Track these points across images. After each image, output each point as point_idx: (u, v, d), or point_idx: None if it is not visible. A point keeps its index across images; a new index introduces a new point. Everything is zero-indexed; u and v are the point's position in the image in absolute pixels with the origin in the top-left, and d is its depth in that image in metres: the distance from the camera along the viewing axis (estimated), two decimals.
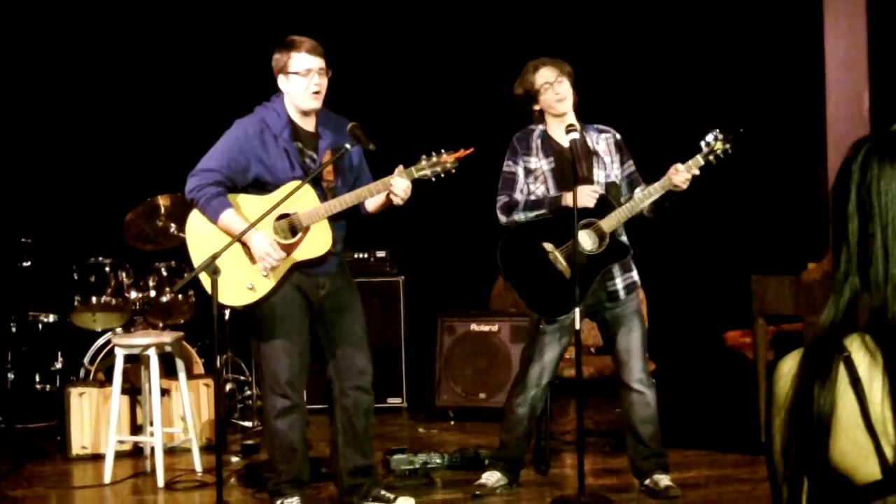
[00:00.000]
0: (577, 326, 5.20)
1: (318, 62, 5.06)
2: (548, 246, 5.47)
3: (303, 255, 5.07)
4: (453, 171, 5.08)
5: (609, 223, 5.37)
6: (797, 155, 8.25)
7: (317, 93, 5.07)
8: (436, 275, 8.56)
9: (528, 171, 5.55)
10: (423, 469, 6.09)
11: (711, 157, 5.28)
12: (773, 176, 8.39)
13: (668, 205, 5.42)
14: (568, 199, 5.36)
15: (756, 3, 8.39)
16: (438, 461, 6.17)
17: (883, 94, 7.29)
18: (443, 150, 5.08)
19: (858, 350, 1.65)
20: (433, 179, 5.09)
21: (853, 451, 1.63)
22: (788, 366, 1.73)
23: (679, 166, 5.27)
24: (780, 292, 6.46)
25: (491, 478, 5.72)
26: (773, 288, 6.47)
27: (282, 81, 5.09)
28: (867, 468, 1.63)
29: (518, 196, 5.54)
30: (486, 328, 7.59)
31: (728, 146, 5.27)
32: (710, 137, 5.29)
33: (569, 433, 6.95)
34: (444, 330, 7.69)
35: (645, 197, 5.36)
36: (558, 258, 5.44)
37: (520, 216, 5.53)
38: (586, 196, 5.38)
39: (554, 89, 5.49)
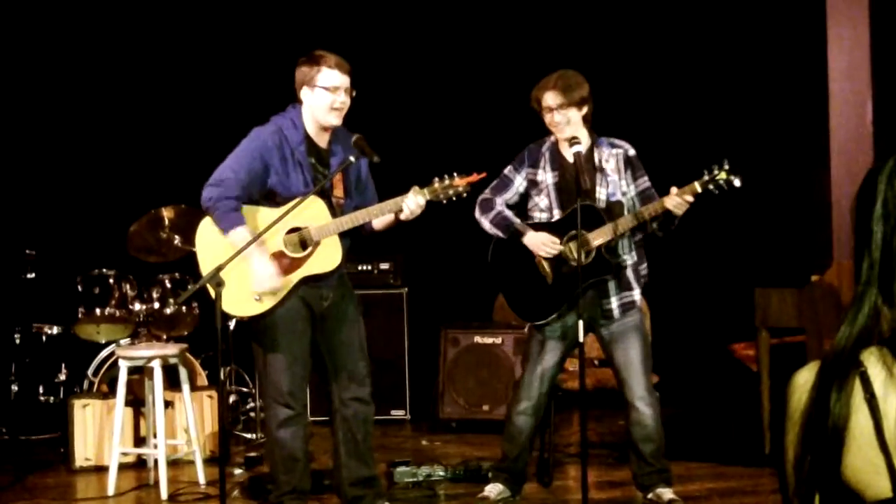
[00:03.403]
0: (581, 339, 5.19)
1: (345, 81, 5.07)
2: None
3: (312, 269, 5.07)
4: (464, 195, 5.11)
5: (596, 237, 5.37)
6: (800, 165, 8.25)
7: (339, 110, 5.08)
8: (439, 287, 8.56)
9: (533, 184, 5.56)
10: (426, 481, 6.09)
11: (712, 186, 5.24)
12: (776, 187, 8.38)
13: (674, 227, 5.40)
14: (527, 237, 5.47)
15: (759, 12, 8.40)
16: (442, 473, 6.16)
17: (886, 104, 7.31)
18: (455, 174, 5.10)
19: (875, 365, 1.64)
20: (444, 202, 5.10)
21: (865, 468, 1.62)
22: (804, 378, 1.72)
23: (674, 190, 5.26)
24: (783, 304, 6.46)
25: (494, 490, 5.72)
26: (777, 300, 6.48)
27: (305, 93, 5.07)
28: (878, 485, 1.62)
29: (499, 200, 5.59)
30: (489, 340, 7.58)
31: (732, 177, 5.23)
32: (714, 166, 5.26)
33: (572, 445, 6.94)
34: (448, 342, 7.68)
35: (636, 217, 5.36)
36: (543, 264, 5.50)
37: (484, 221, 5.60)
38: (543, 247, 5.45)
39: (553, 117, 5.46)
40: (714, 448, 6.89)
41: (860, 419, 1.63)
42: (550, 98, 5.44)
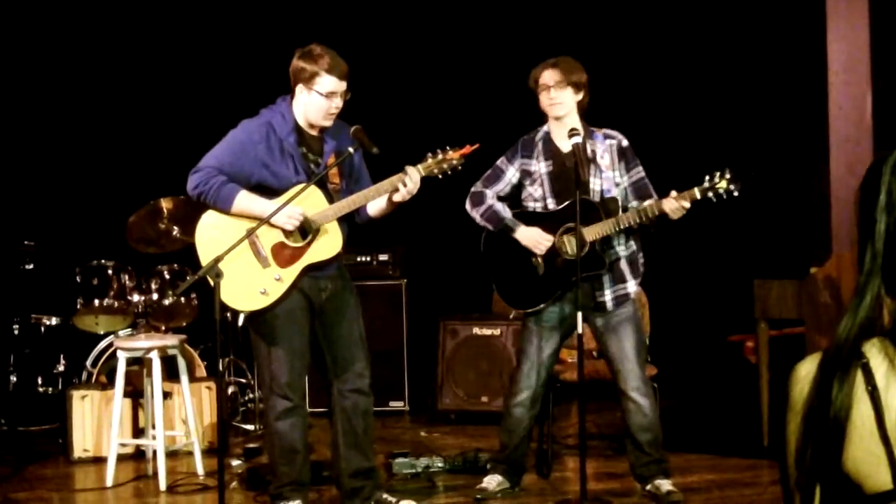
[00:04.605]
0: (580, 330, 5.19)
1: (342, 86, 5.06)
2: None
3: (315, 256, 5.07)
4: (459, 167, 5.10)
5: (591, 232, 5.37)
6: (799, 158, 8.25)
7: (333, 115, 5.09)
8: (438, 278, 8.55)
9: (527, 174, 5.58)
10: (425, 473, 6.10)
11: (710, 194, 5.23)
12: (776, 179, 8.38)
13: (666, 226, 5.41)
14: (519, 233, 5.51)
15: (758, 6, 8.39)
16: (440, 465, 6.18)
17: (885, 97, 7.29)
18: (448, 147, 5.10)
19: (877, 356, 1.64)
20: (440, 177, 5.10)
21: (866, 460, 1.62)
22: (806, 370, 1.72)
23: (674, 194, 5.26)
24: (782, 296, 6.47)
25: (492, 481, 5.73)
26: (776, 292, 6.48)
27: (300, 91, 5.06)
28: (879, 477, 1.62)
29: (490, 192, 5.62)
30: (488, 331, 7.59)
31: (732, 187, 5.22)
32: (716, 174, 5.25)
33: (571, 437, 6.94)
34: (447, 333, 7.69)
35: (633, 216, 5.35)
36: (537, 255, 5.54)
37: (475, 215, 5.64)
38: (536, 245, 5.49)
39: (549, 94, 5.47)
40: (713, 440, 6.91)
41: (862, 411, 1.62)
42: (548, 75, 5.46)
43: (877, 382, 1.62)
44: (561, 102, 5.46)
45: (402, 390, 7.99)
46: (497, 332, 7.59)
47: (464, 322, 7.69)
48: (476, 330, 7.64)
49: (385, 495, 5.38)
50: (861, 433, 1.62)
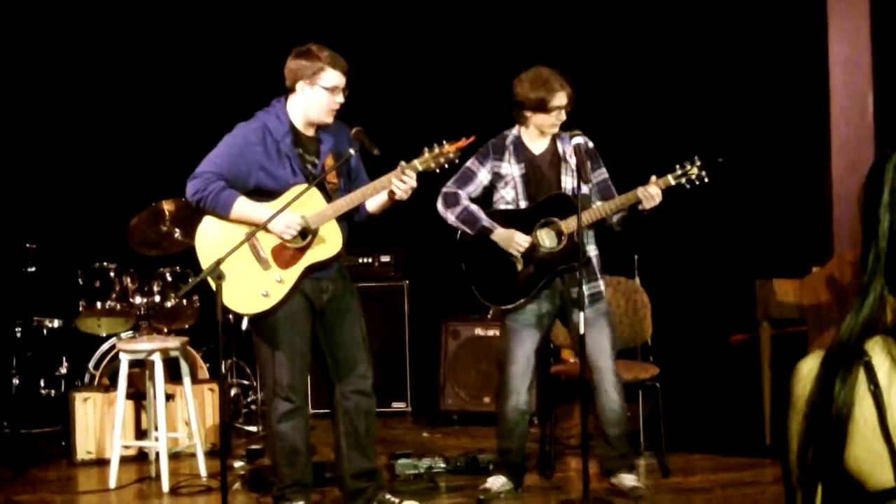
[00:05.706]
0: (581, 331, 5.21)
1: (343, 81, 5.09)
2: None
3: (315, 257, 5.07)
4: (456, 160, 5.12)
5: (568, 224, 5.42)
6: (801, 157, 8.25)
7: (335, 110, 5.10)
8: (440, 279, 8.54)
9: (499, 177, 5.61)
10: (427, 473, 6.10)
11: (683, 180, 5.37)
12: (777, 179, 8.38)
13: (634, 223, 5.46)
14: (496, 234, 5.52)
15: (760, 4, 8.39)
16: (443, 465, 6.18)
17: (887, 97, 7.29)
18: (444, 141, 5.11)
19: (879, 354, 1.64)
20: (437, 171, 5.11)
21: (868, 458, 1.62)
22: (808, 368, 1.72)
23: (654, 179, 5.33)
24: (784, 296, 6.47)
25: (496, 482, 5.73)
26: (778, 291, 6.48)
27: (302, 88, 5.07)
28: (881, 475, 1.62)
29: (463, 193, 5.63)
30: (490, 332, 7.59)
31: (703, 173, 5.35)
32: (686, 162, 5.36)
33: (573, 437, 6.94)
34: (449, 334, 7.69)
35: (609, 207, 5.40)
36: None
37: (450, 216, 5.63)
38: (514, 245, 5.50)
39: (560, 115, 5.52)
40: (715, 439, 6.90)
41: (864, 409, 1.63)
42: (564, 98, 5.49)
43: (879, 381, 1.62)
44: (563, 120, 5.53)
45: (404, 391, 7.99)
46: (498, 332, 7.57)
47: (465, 323, 7.70)
48: (478, 331, 7.64)
49: (388, 496, 5.39)
50: (863, 431, 1.62)
